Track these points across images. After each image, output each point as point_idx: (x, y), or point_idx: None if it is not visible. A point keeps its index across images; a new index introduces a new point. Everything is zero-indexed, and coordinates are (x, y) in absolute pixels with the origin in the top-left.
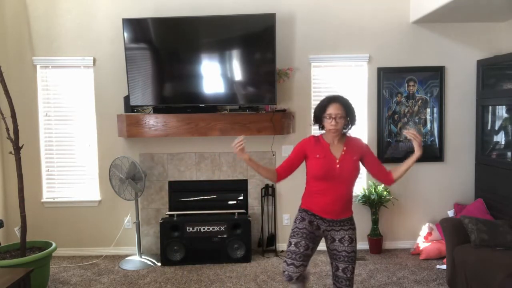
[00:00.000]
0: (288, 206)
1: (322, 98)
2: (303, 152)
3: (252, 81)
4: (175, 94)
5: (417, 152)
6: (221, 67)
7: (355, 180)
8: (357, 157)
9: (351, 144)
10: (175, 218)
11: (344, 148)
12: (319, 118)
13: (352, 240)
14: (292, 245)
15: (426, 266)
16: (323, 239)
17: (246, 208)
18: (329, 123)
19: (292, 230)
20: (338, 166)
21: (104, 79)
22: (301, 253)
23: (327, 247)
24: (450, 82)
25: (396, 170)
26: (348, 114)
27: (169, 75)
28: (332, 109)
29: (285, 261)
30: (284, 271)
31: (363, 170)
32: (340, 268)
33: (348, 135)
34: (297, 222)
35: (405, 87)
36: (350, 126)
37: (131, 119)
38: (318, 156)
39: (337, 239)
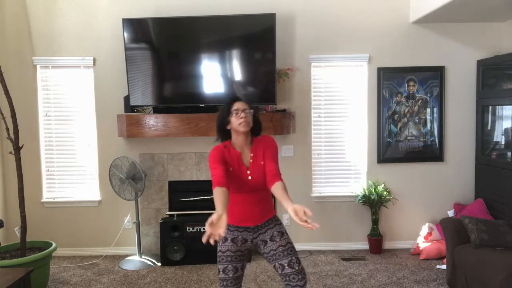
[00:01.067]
0: None
1: (321, 98)
2: (223, 162)
3: (252, 81)
4: (175, 94)
5: (291, 212)
6: (221, 67)
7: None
8: (263, 160)
9: (257, 146)
10: (175, 218)
11: (251, 154)
12: (224, 123)
13: (283, 234)
14: (221, 272)
15: (426, 266)
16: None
17: None
18: (238, 118)
19: (217, 253)
20: (250, 178)
21: (104, 79)
22: (231, 278)
23: (263, 253)
24: (450, 82)
25: (276, 191)
26: (253, 115)
27: (169, 75)
28: (237, 105)
29: None
30: None
31: (359, 169)
32: (286, 264)
33: (257, 137)
34: (220, 244)
35: (405, 87)
36: (256, 129)
37: (131, 119)
38: (231, 169)
39: (268, 240)
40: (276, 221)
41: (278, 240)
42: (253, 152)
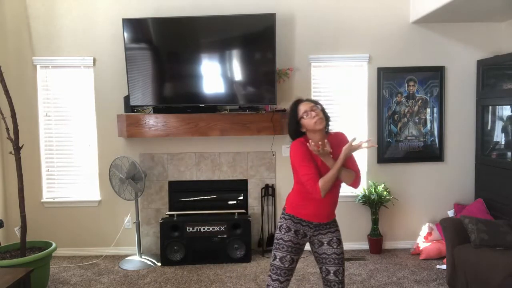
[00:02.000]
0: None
1: (321, 98)
2: (311, 155)
3: (252, 81)
4: (175, 94)
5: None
6: (221, 67)
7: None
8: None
9: (334, 142)
10: (175, 218)
11: (331, 150)
12: (297, 127)
13: (340, 242)
14: (277, 260)
15: (426, 266)
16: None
17: (246, 208)
18: (310, 119)
19: (276, 240)
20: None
21: (104, 79)
22: (286, 269)
23: (314, 252)
24: (450, 82)
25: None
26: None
27: (169, 75)
28: (303, 107)
29: (269, 275)
30: (268, 285)
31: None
32: (332, 272)
33: (330, 132)
34: (282, 232)
35: (405, 87)
36: (327, 122)
37: (131, 119)
38: (314, 165)
39: (325, 242)
40: (337, 226)
41: (335, 246)
42: (333, 149)
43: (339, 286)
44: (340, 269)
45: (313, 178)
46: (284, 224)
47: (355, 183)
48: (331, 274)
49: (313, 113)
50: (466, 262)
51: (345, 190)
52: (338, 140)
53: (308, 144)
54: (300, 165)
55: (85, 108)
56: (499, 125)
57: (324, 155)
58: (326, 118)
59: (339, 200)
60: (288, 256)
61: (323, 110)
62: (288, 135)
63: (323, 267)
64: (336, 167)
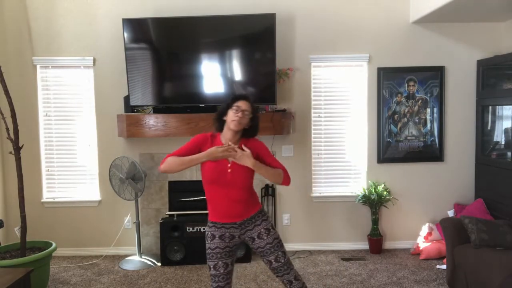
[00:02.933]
0: (288, 206)
1: (321, 98)
2: (198, 147)
3: (252, 81)
4: (175, 94)
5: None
6: (221, 67)
7: (250, 185)
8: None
9: (246, 146)
10: (175, 218)
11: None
12: (222, 113)
13: (269, 230)
14: (212, 269)
15: (426, 266)
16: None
17: None
18: (234, 114)
19: (206, 250)
20: (229, 171)
21: (104, 79)
22: (222, 274)
23: (252, 249)
24: (450, 82)
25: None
26: (253, 119)
27: (169, 75)
28: (241, 103)
29: (211, 285)
30: None
31: (359, 169)
32: (272, 260)
33: (249, 139)
34: (208, 241)
35: (405, 87)
36: (250, 133)
37: (131, 119)
38: None
39: (255, 237)
40: (263, 217)
41: (265, 238)
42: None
43: (284, 267)
44: (278, 254)
45: (175, 153)
46: (209, 233)
47: (285, 180)
48: (273, 262)
49: (240, 114)
50: (466, 262)
51: (345, 190)
52: (254, 146)
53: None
54: (184, 145)
55: (85, 108)
56: (499, 125)
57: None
58: (252, 130)
59: (339, 200)
60: (220, 262)
61: (254, 121)
62: (214, 117)
63: (265, 260)
64: (191, 158)
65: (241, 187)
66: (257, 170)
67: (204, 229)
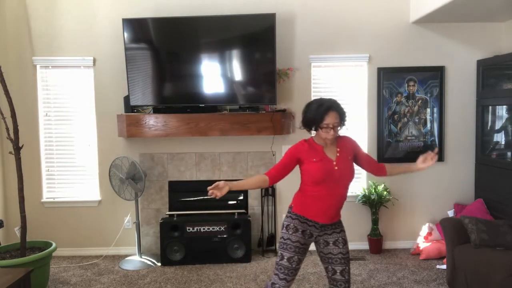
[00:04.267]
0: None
1: (316, 96)
2: (296, 157)
3: (252, 81)
4: (175, 94)
5: (420, 166)
6: (221, 67)
7: (352, 180)
8: (351, 156)
9: (343, 144)
10: (175, 218)
11: (338, 149)
12: (310, 126)
13: (346, 242)
14: (285, 260)
15: (426, 266)
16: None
17: (246, 208)
18: (326, 133)
19: (283, 240)
20: (336, 168)
21: (104, 79)
22: (293, 269)
23: (320, 252)
24: (450, 82)
25: (393, 168)
26: (342, 120)
27: (169, 75)
28: (330, 119)
29: (276, 274)
30: (274, 284)
31: (360, 169)
32: (338, 271)
33: (339, 136)
34: (290, 233)
35: (405, 87)
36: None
37: (131, 119)
38: (314, 160)
39: (331, 242)
40: (342, 227)
41: (341, 246)
42: (340, 147)
43: (346, 285)
44: (346, 269)
45: (274, 167)
46: (292, 224)
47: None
48: (338, 274)
49: (332, 132)
50: (466, 262)
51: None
52: (345, 143)
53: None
54: (282, 159)
55: (85, 108)
56: (499, 125)
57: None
58: (343, 125)
59: None
60: (296, 257)
61: (344, 120)
62: (302, 123)
63: (329, 267)
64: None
65: (347, 182)
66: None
67: (204, 229)
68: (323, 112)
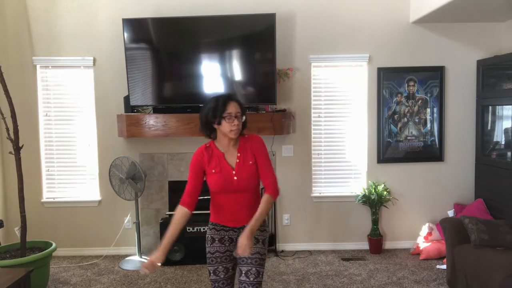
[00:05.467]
0: (288, 206)
1: (321, 98)
2: (201, 169)
3: (252, 81)
4: (175, 94)
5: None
6: (221, 67)
7: (257, 185)
8: (253, 161)
9: (244, 146)
10: None
11: (238, 154)
12: (211, 121)
13: (258, 241)
14: (212, 274)
15: (426, 266)
16: None
17: None
18: (230, 124)
19: (207, 254)
20: (235, 178)
21: (104, 79)
22: (222, 279)
23: (236, 253)
24: (450, 82)
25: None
26: (243, 112)
27: (169, 75)
28: (231, 108)
29: None
30: None
31: (359, 169)
32: (243, 272)
33: (244, 135)
34: (208, 245)
35: (405, 87)
36: (244, 128)
37: (131, 119)
38: (213, 171)
39: None
40: (261, 227)
41: (260, 246)
42: (240, 152)
43: (250, 287)
44: (252, 270)
45: (186, 193)
46: (209, 236)
47: (274, 196)
48: (243, 275)
49: (236, 121)
50: (466, 262)
51: (345, 190)
52: (247, 144)
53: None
54: (189, 174)
55: (85, 108)
56: (499, 125)
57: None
58: (244, 125)
59: (339, 200)
60: (220, 267)
61: (245, 114)
62: (200, 126)
63: (238, 268)
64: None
65: (248, 189)
66: (256, 229)
67: (204, 229)
68: (224, 101)
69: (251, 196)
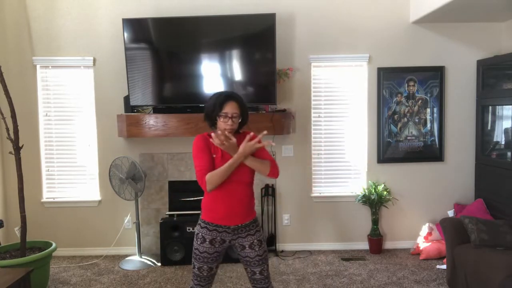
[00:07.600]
0: (288, 206)
1: (321, 98)
2: (208, 148)
3: (252, 81)
4: (175, 94)
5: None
6: (221, 67)
7: (252, 178)
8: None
9: (241, 143)
10: (175, 218)
11: (235, 140)
12: (211, 117)
13: (261, 242)
14: (196, 269)
15: (426, 266)
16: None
17: None
18: (225, 123)
19: (194, 248)
20: None
21: (104, 79)
22: (205, 277)
23: (238, 254)
24: (450, 82)
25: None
26: (242, 114)
27: (169, 75)
28: (229, 108)
29: (192, 280)
30: None
31: (359, 169)
32: (257, 272)
33: (241, 132)
34: (198, 243)
35: (405, 87)
36: (243, 125)
37: (131, 119)
38: (215, 155)
39: (247, 246)
40: (257, 227)
41: (257, 249)
42: (239, 144)
43: (265, 281)
44: (264, 267)
45: (202, 171)
46: (200, 234)
47: (272, 171)
48: (257, 274)
49: (230, 122)
50: (466, 262)
51: (345, 190)
52: (243, 139)
53: (213, 135)
54: (195, 157)
55: (85, 108)
56: (499, 125)
57: (229, 148)
58: (244, 121)
59: (339, 200)
60: (205, 266)
61: (244, 113)
62: (204, 116)
63: (248, 268)
64: (229, 163)
65: (244, 182)
66: (244, 160)
67: None
68: (222, 100)
69: (247, 190)
